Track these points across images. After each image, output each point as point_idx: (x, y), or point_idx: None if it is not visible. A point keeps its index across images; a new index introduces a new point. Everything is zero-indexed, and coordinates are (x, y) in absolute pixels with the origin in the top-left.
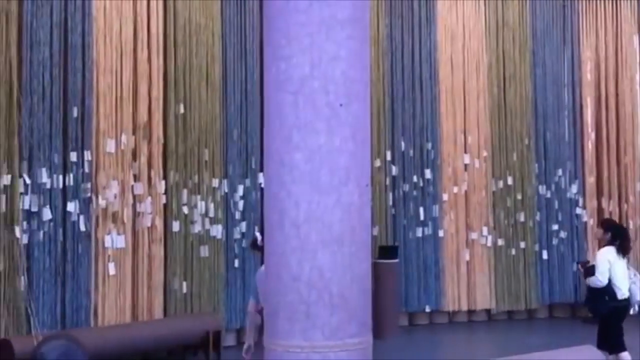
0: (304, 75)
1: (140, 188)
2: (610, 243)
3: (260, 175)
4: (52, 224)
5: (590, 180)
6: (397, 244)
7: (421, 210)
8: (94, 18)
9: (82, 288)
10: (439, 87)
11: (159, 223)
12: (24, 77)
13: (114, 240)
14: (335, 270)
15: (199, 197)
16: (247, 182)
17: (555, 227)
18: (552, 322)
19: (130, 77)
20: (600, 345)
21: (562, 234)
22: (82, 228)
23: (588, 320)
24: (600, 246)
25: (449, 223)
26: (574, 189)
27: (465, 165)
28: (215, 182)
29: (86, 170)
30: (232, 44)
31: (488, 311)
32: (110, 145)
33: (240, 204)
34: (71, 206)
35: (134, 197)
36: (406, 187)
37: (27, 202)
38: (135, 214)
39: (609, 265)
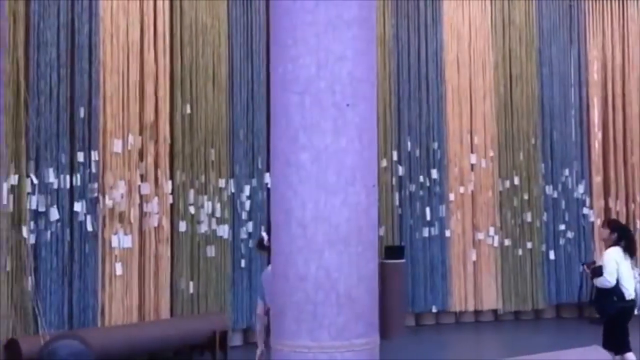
0: (310, 75)
1: (147, 188)
2: (616, 243)
3: (267, 175)
4: (59, 224)
5: (597, 180)
6: (404, 244)
7: (427, 210)
8: (101, 18)
9: (89, 288)
10: (445, 87)
11: (166, 223)
12: (31, 77)
13: (121, 240)
14: (342, 270)
15: (205, 197)
16: (254, 182)
17: (562, 227)
18: (559, 322)
19: (136, 77)
20: (606, 346)
21: (569, 234)
22: (89, 228)
23: (595, 321)
24: (606, 246)
25: (455, 223)
26: (581, 189)
27: (472, 165)
28: (221, 182)
29: (93, 170)
30: (238, 44)
31: (495, 311)
32: (117, 146)
33: (247, 204)
34: (78, 206)
35: (141, 197)
36: (412, 187)
37: (34, 202)
38: (142, 214)
39: (616, 266)
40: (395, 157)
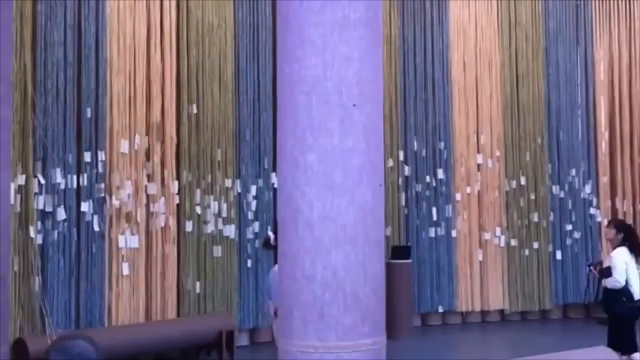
0: (317, 76)
1: (153, 188)
2: (621, 244)
3: (273, 175)
4: (66, 224)
5: (604, 180)
6: (410, 244)
7: (434, 210)
8: (108, 19)
9: (96, 288)
10: (452, 87)
11: (172, 223)
12: (38, 77)
13: (128, 240)
14: (349, 271)
15: (212, 197)
16: (260, 182)
17: (569, 227)
18: (565, 322)
19: (143, 77)
20: (612, 346)
21: (576, 234)
22: (96, 228)
23: (602, 321)
24: (612, 247)
25: (462, 223)
26: (588, 189)
27: (478, 165)
28: (228, 182)
29: (100, 170)
30: (244, 44)
31: (501, 312)
32: (124, 146)
33: (253, 204)
34: (85, 206)
35: (148, 197)
36: (419, 187)
37: (41, 202)
38: (149, 214)
39: (625, 266)
40: (401, 157)
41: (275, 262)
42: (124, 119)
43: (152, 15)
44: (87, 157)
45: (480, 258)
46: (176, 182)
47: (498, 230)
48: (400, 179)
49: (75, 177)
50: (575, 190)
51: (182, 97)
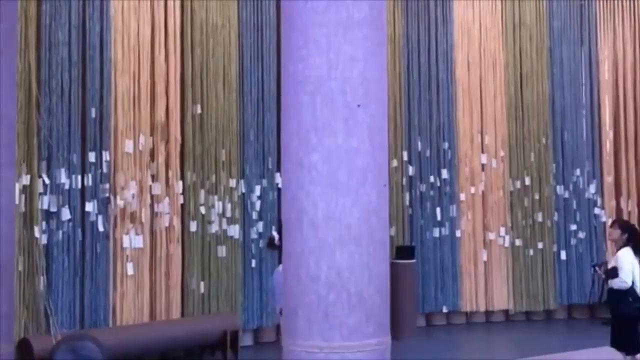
0: (321, 76)
1: (158, 188)
2: (626, 244)
3: (277, 175)
4: (71, 224)
5: (609, 180)
6: (414, 244)
7: (438, 210)
8: (112, 18)
9: (101, 288)
10: (456, 87)
11: (177, 223)
12: (42, 77)
13: (132, 240)
14: (353, 271)
15: (216, 197)
16: (264, 182)
17: (574, 227)
18: (570, 323)
19: (147, 77)
20: (616, 346)
21: (581, 234)
22: (101, 228)
23: (607, 322)
24: (617, 247)
25: (466, 223)
26: (592, 188)
27: (483, 165)
28: (232, 183)
29: (104, 170)
30: (248, 45)
31: (506, 312)
32: (128, 146)
33: (257, 204)
34: (90, 206)
35: (152, 197)
36: (423, 187)
37: (46, 202)
38: (153, 214)
39: (632, 267)
40: (405, 157)
41: (280, 262)
42: (128, 119)
43: (157, 16)
44: (91, 157)
45: (485, 258)
46: (180, 182)
47: (502, 230)
48: (404, 179)
49: (79, 177)
50: (580, 190)
51: (187, 97)
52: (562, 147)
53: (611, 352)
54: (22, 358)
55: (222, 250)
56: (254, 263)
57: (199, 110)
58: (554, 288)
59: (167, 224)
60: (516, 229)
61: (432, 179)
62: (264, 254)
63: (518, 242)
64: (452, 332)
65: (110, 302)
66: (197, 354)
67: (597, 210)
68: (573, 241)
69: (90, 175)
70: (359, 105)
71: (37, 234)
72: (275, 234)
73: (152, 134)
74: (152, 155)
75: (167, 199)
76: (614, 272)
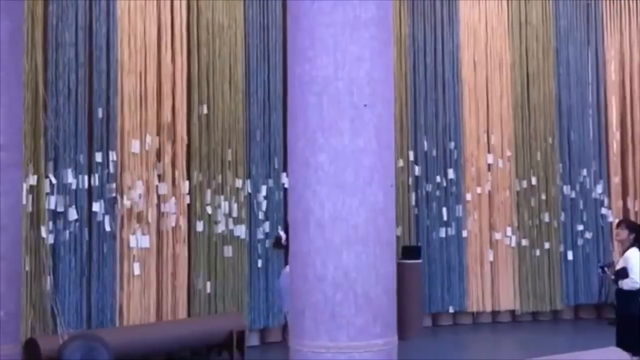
0: (328, 76)
1: (164, 188)
2: (633, 244)
3: (284, 175)
4: (77, 224)
5: (616, 180)
6: (420, 244)
7: (444, 210)
8: (118, 19)
9: (108, 288)
10: (462, 87)
11: (183, 223)
12: (49, 78)
13: (139, 240)
14: (360, 271)
15: (222, 197)
16: (270, 182)
17: (580, 227)
18: (577, 323)
19: (154, 77)
20: (622, 346)
21: (587, 235)
22: (107, 228)
23: (614, 322)
24: (624, 247)
25: (472, 223)
26: (599, 189)
27: (489, 165)
28: (238, 183)
29: (111, 170)
30: (255, 45)
31: (512, 312)
32: (135, 146)
33: (264, 204)
34: (96, 206)
35: (158, 197)
36: (429, 187)
37: (53, 202)
38: (160, 214)
39: None
40: (411, 157)
41: (286, 263)
42: (135, 119)
43: (163, 16)
44: (98, 157)
45: (491, 258)
46: (187, 182)
47: (509, 230)
48: (410, 179)
49: (86, 177)
50: (587, 190)
51: (193, 97)
52: (569, 147)
53: (618, 352)
54: (29, 358)
55: (228, 250)
56: (260, 263)
57: (205, 111)
58: (561, 288)
59: (173, 224)
60: (523, 229)
61: (438, 178)
62: (270, 254)
63: (524, 242)
64: (458, 333)
65: (117, 302)
66: (204, 354)
67: (604, 211)
68: (580, 241)
69: (97, 175)
70: (365, 105)
71: (44, 234)
72: (282, 233)
73: (158, 134)
74: (159, 155)
75: (173, 199)
76: (623, 273)
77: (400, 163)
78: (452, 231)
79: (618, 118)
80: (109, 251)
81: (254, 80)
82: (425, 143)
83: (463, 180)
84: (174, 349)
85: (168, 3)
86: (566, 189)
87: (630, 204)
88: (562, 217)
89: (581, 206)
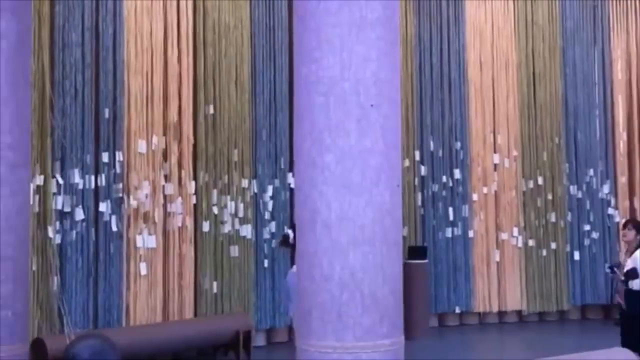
0: (334, 76)
1: (170, 188)
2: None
3: (290, 175)
4: (84, 224)
5: (622, 180)
6: (426, 244)
7: (450, 210)
8: (125, 20)
9: (114, 288)
10: (468, 87)
11: (190, 223)
12: (56, 78)
13: (145, 240)
14: (367, 271)
15: (228, 197)
16: (277, 182)
17: (587, 227)
18: (584, 323)
19: (160, 78)
20: (628, 347)
21: (594, 235)
22: (114, 228)
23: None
24: (631, 248)
25: (478, 223)
26: (606, 189)
27: (495, 165)
28: (244, 183)
29: (118, 170)
30: (261, 45)
31: (519, 312)
32: (141, 146)
33: (270, 204)
34: (103, 206)
35: (165, 197)
36: (435, 187)
37: (59, 202)
38: (166, 214)
39: None
40: (417, 157)
41: (292, 263)
42: (141, 120)
43: (169, 16)
44: (105, 157)
45: (498, 258)
46: (193, 183)
47: (515, 230)
48: (416, 179)
49: (93, 177)
50: (593, 190)
51: (199, 97)
52: (575, 146)
53: (625, 352)
54: (36, 358)
55: (234, 250)
56: (266, 263)
57: (211, 111)
58: (567, 288)
59: (179, 224)
60: (529, 229)
61: (444, 179)
62: (276, 254)
63: (531, 243)
64: (464, 333)
65: (124, 301)
66: (210, 354)
67: (610, 211)
68: (586, 241)
69: (103, 176)
70: (372, 106)
71: (50, 234)
72: (290, 231)
73: (164, 134)
74: (165, 155)
75: (179, 199)
76: (633, 273)
77: (407, 163)
78: (458, 231)
79: (625, 118)
80: (115, 251)
81: (260, 80)
82: (432, 143)
83: (469, 180)
84: (180, 349)
85: (174, 3)
86: (573, 189)
87: (637, 204)
88: (569, 217)
89: (588, 206)
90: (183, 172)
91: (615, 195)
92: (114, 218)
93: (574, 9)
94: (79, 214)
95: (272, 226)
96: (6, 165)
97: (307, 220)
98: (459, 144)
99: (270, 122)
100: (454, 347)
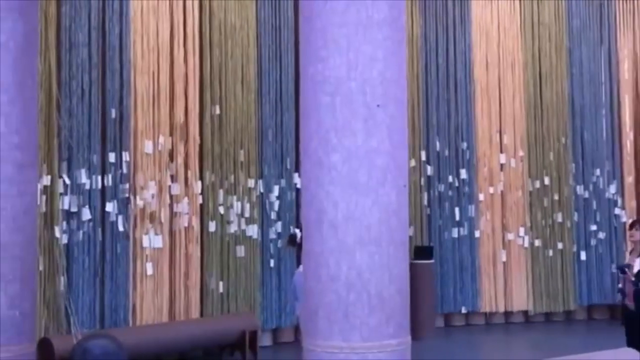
0: (341, 76)
1: (177, 188)
2: None
3: (296, 175)
4: (91, 224)
5: (629, 180)
6: (433, 244)
7: (457, 210)
8: (131, 20)
9: (121, 287)
10: (474, 87)
11: (196, 223)
12: (62, 78)
13: (152, 240)
14: (374, 271)
15: (234, 197)
16: (283, 182)
17: (594, 227)
18: (590, 324)
19: (167, 78)
20: (633, 345)
21: (601, 235)
22: (121, 228)
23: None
24: (638, 248)
25: (485, 223)
26: (613, 189)
27: (501, 165)
28: (250, 183)
29: (124, 170)
30: (267, 45)
31: (525, 313)
32: (148, 146)
33: (276, 204)
34: (110, 206)
35: (171, 197)
36: (441, 187)
37: (66, 202)
38: (173, 214)
39: None
40: (423, 157)
41: (299, 263)
42: (147, 120)
43: (175, 16)
44: (111, 157)
45: (504, 258)
46: (199, 183)
47: (522, 230)
48: (422, 179)
49: (100, 177)
50: (600, 190)
51: (205, 97)
52: (582, 146)
53: (632, 353)
54: (42, 357)
55: (240, 250)
56: (272, 263)
57: (217, 111)
58: (574, 289)
59: (186, 224)
60: (535, 229)
61: (450, 179)
62: (282, 254)
63: (537, 243)
64: (471, 333)
65: (130, 301)
66: (216, 353)
67: (617, 211)
68: (593, 242)
69: (110, 176)
70: (378, 106)
71: (57, 234)
72: (297, 231)
73: (171, 135)
74: (171, 155)
75: (186, 199)
76: None
77: (413, 163)
78: (464, 231)
79: (631, 117)
80: (122, 251)
81: (266, 80)
82: (438, 143)
83: (475, 180)
84: (186, 348)
85: (181, 3)
86: (579, 189)
87: None
88: (575, 217)
89: (594, 206)
90: (189, 172)
91: (622, 195)
92: (120, 218)
93: (580, 9)
94: (86, 214)
95: (278, 226)
96: (14, 166)
97: (313, 220)
98: (465, 144)
99: (277, 122)
100: (460, 347)
